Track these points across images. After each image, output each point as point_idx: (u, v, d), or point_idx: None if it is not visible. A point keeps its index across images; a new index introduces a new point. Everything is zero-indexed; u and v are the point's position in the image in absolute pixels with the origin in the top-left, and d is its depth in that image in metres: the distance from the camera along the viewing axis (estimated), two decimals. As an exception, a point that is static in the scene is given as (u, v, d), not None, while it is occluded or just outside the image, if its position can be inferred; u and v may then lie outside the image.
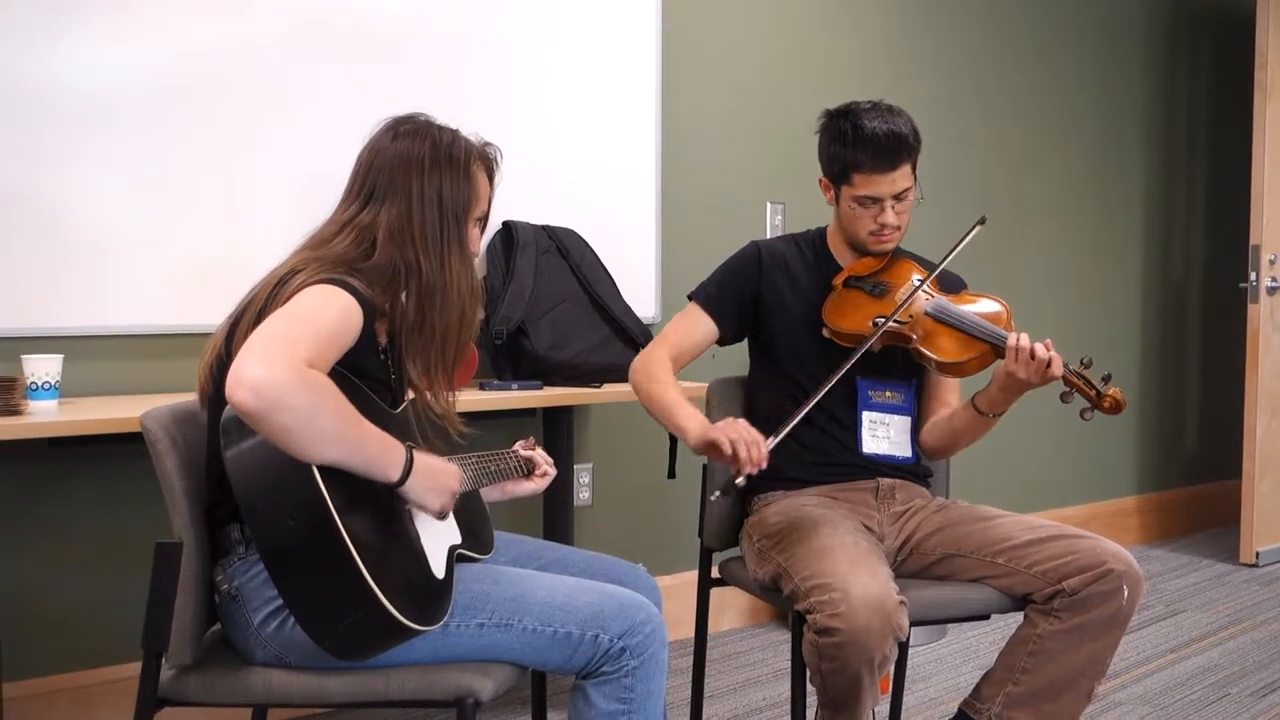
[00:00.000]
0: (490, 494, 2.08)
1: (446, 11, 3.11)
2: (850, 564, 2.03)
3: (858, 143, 2.28)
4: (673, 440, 2.58)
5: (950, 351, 2.27)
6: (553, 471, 2.17)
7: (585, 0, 3.35)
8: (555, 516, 3.20)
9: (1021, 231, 4.61)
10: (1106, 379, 2.25)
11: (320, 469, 1.60)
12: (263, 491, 1.62)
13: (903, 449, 2.40)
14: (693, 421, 2.21)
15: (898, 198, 2.31)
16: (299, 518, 1.60)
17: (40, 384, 2.37)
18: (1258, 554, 4.70)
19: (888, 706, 2.69)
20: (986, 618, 2.27)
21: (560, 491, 3.17)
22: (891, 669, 2.48)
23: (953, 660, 3.47)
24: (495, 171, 1.94)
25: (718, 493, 2.14)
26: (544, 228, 3.20)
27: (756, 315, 2.43)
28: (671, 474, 2.58)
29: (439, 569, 1.77)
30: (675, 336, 2.40)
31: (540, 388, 2.97)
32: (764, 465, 2.09)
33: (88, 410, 2.39)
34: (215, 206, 2.77)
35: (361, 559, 1.59)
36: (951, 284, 2.44)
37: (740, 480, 2.07)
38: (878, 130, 2.27)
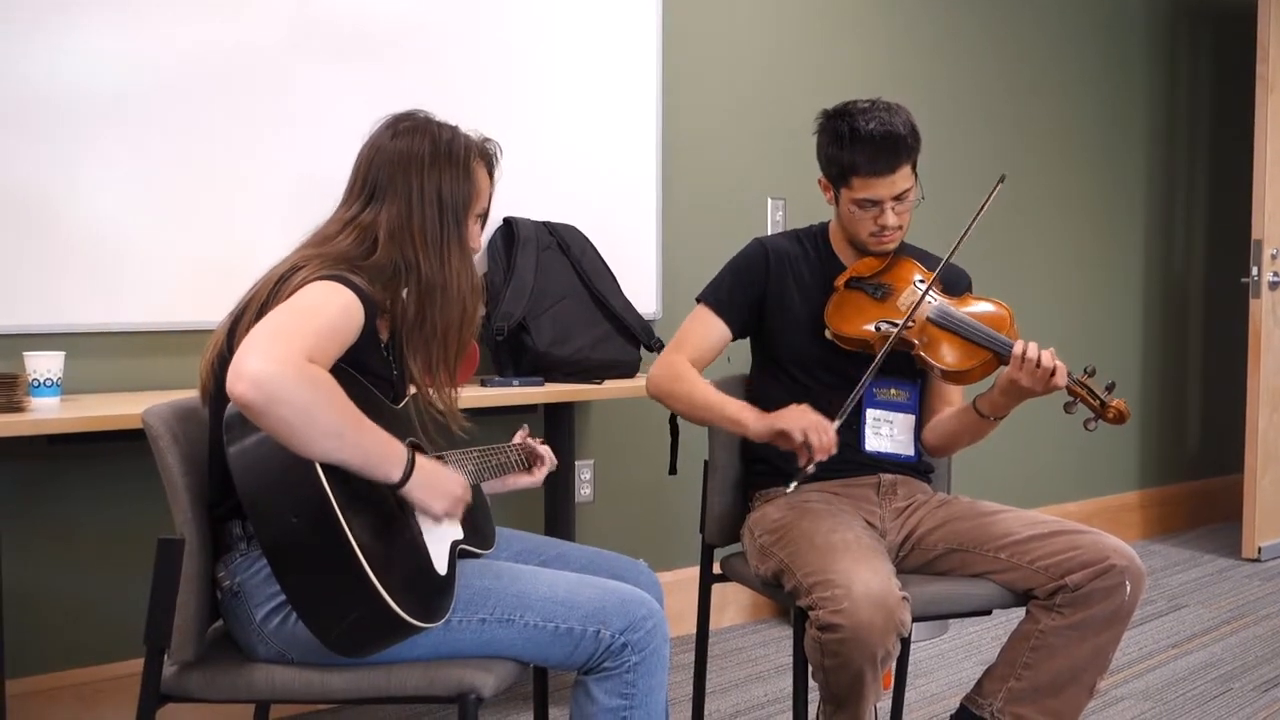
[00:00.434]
0: (489, 485, 2.08)
1: (447, 10, 3.10)
2: (852, 560, 2.03)
3: (855, 145, 2.26)
4: (674, 436, 2.58)
5: (953, 359, 2.25)
6: (553, 461, 2.17)
7: (586, -4, 3.35)
8: (557, 512, 3.20)
9: (1023, 226, 4.60)
10: (1110, 388, 2.24)
11: (323, 466, 1.60)
12: (265, 488, 1.62)
13: (905, 447, 2.40)
14: (748, 412, 2.23)
15: (898, 199, 2.30)
16: (302, 514, 1.60)
17: (42, 381, 2.37)
18: (1260, 549, 4.70)
19: (890, 702, 2.69)
20: (988, 613, 2.27)
21: (562, 487, 3.18)
22: (894, 664, 2.48)
23: (955, 656, 3.47)
24: (495, 167, 1.93)
25: (794, 484, 2.15)
26: (545, 224, 3.19)
27: (762, 314, 2.42)
28: (673, 470, 2.58)
29: (441, 565, 1.77)
30: (691, 342, 2.39)
31: (541, 384, 2.97)
32: (834, 450, 2.12)
33: (89, 407, 2.40)
34: (217, 204, 2.77)
35: (364, 556, 1.59)
36: (955, 281, 2.43)
37: (812, 468, 2.12)
38: (875, 132, 2.24)
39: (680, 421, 2.56)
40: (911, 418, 2.41)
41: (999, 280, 3.81)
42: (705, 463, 2.51)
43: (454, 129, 1.89)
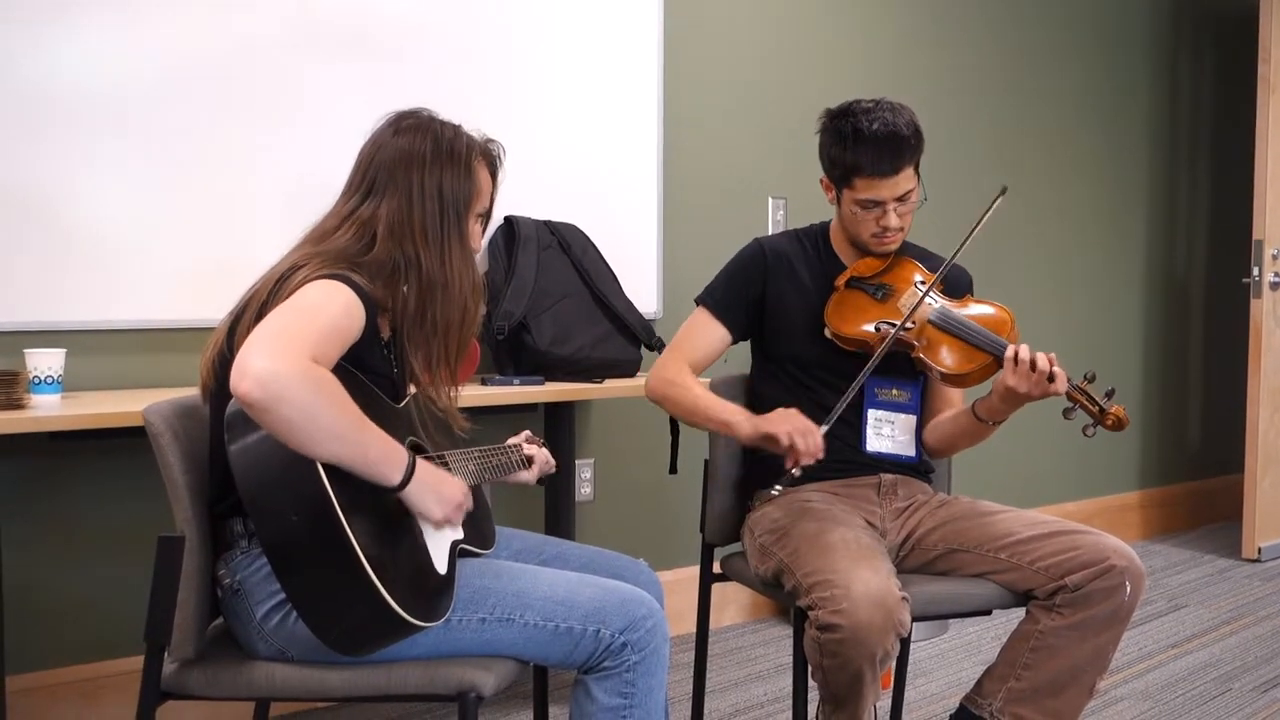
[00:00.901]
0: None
1: (449, 9, 3.10)
2: (852, 560, 2.03)
3: (858, 146, 2.25)
4: (674, 435, 2.58)
5: (953, 362, 2.25)
6: (546, 462, 2.17)
7: (588, -5, 3.35)
8: (557, 511, 3.20)
9: (1025, 227, 4.60)
10: (1110, 395, 2.23)
11: (324, 465, 1.60)
12: (266, 486, 1.62)
13: (906, 448, 2.39)
14: (739, 415, 2.25)
15: (900, 200, 2.29)
16: (302, 513, 1.60)
17: (43, 378, 2.37)
18: (1260, 549, 4.70)
19: (889, 702, 2.69)
20: (988, 613, 2.27)
21: (562, 487, 3.18)
22: (893, 665, 2.48)
23: (954, 656, 3.47)
24: (498, 167, 1.93)
25: (778, 487, 2.17)
26: (546, 223, 3.19)
27: (761, 315, 2.42)
28: (673, 469, 2.58)
29: (441, 564, 1.77)
30: (688, 345, 2.41)
31: (542, 383, 2.97)
32: (821, 455, 2.14)
33: (90, 404, 2.40)
34: (218, 202, 2.77)
35: (365, 555, 1.59)
36: (957, 282, 2.43)
37: (797, 471, 2.13)
38: (879, 133, 2.24)
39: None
40: (913, 418, 2.41)
41: (1000, 281, 3.81)
42: (706, 462, 2.51)
43: (456, 128, 1.89)
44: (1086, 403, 2.22)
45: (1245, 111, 4.87)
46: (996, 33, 4.49)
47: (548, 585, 1.81)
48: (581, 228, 3.26)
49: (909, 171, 2.28)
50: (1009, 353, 2.19)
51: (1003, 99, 4.52)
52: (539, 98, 3.27)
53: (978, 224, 2.27)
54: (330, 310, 1.67)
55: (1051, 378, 2.17)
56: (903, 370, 2.37)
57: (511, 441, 2.13)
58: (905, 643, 2.57)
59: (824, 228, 2.49)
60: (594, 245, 3.26)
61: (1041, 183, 4.68)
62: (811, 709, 2.18)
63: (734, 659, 3.43)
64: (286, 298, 1.68)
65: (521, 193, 3.11)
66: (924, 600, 2.17)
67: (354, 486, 1.63)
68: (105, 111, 2.62)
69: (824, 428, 2.16)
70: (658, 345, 3.18)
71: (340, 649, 1.68)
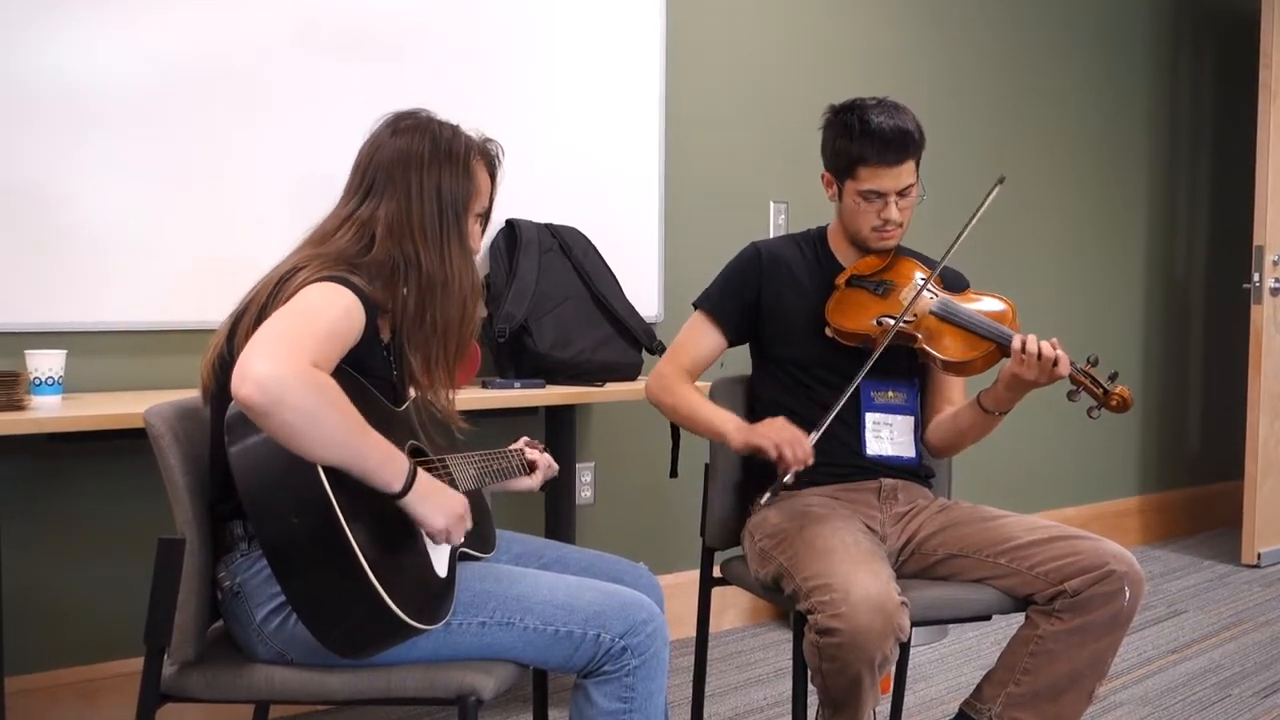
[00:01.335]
0: (490, 485, 2.08)
1: (449, 10, 3.10)
2: (852, 564, 2.03)
3: (864, 136, 2.28)
4: (675, 439, 2.59)
5: (955, 350, 2.27)
6: (554, 468, 2.17)
7: (589, -2, 3.36)
8: (557, 515, 3.20)
9: (1025, 232, 4.61)
10: (1113, 377, 2.25)
11: (325, 468, 1.60)
12: (266, 489, 1.62)
13: (906, 449, 2.40)
14: (731, 425, 2.28)
15: (901, 194, 2.32)
16: (303, 515, 1.60)
17: (43, 379, 2.37)
18: (1259, 555, 4.70)
19: (888, 706, 2.69)
20: (988, 618, 2.27)
21: (562, 490, 3.18)
22: (892, 669, 2.49)
23: (954, 660, 3.47)
24: (497, 167, 1.93)
25: (768, 494, 2.20)
26: (547, 226, 3.20)
27: (758, 317, 2.43)
28: (674, 473, 2.58)
29: (441, 568, 1.77)
30: (686, 350, 2.43)
31: (543, 386, 2.97)
32: (810, 461, 2.17)
33: (90, 406, 2.40)
34: (218, 203, 2.77)
35: (365, 558, 1.59)
36: (954, 283, 2.44)
37: (789, 478, 2.16)
38: (884, 125, 2.28)
39: (681, 424, 2.57)
40: (911, 419, 2.42)
41: (999, 284, 3.80)
42: (706, 466, 2.51)
43: (455, 128, 1.89)
44: (1090, 385, 2.23)
45: (1245, 112, 4.87)
46: (998, 39, 4.49)
47: (548, 589, 1.81)
48: (583, 230, 3.26)
49: (911, 165, 2.32)
50: (1015, 344, 2.20)
51: (1004, 105, 4.52)
52: (540, 99, 3.27)
53: (975, 214, 2.30)
54: (331, 313, 1.67)
55: (1056, 362, 2.18)
56: (899, 371, 2.37)
57: (513, 448, 2.13)
58: (905, 647, 2.57)
59: (821, 232, 2.50)
60: (595, 248, 3.26)
61: (1042, 189, 4.68)
62: (811, 713, 2.18)
63: (734, 663, 3.43)
64: (287, 300, 1.68)
65: (522, 195, 3.12)
66: (923, 605, 2.17)
67: (354, 489, 1.63)
68: (106, 112, 2.62)
69: (814, 435, 2.19)
70: (659, 348, 3.18)
71: (340, 652, 1.68)
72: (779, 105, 3.80)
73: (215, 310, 1.95)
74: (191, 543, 1.76)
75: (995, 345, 2.25)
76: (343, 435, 1.59)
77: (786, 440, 2.16)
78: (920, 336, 2.28)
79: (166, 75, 2.69)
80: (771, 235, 3.75)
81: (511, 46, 3.21)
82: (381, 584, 1.60)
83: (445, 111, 1.94)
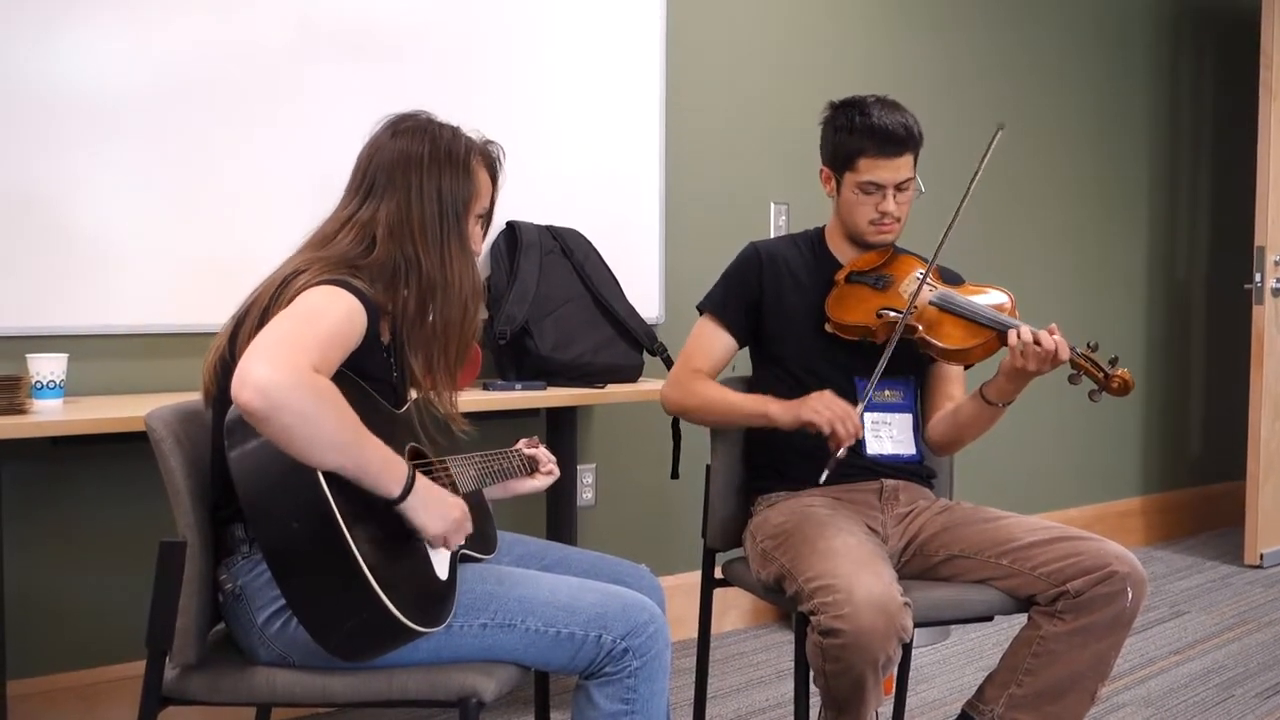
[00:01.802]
0: (493, 491, 2.08)
1: (450, 12, 3.11)
2: (854, 565, 2.03)
3: (864, 129, 2.32)
4: (676, 440, 2.59)
5: (955, 338, 2.27)
6: (556, 471, 2.17)
7: (589, 1, 3.35)
8: (559, 517, 3.20)
9: (1025, 232, 4.60)
10: (1114, 361, 2.26)
11: (324, 472, 1.59)
12: (266, 492, 1.62)
13: (906, 447, 2.40)
14: (772, 405, 2.29)
15: (899, 187, 2.34)
16: (303, 519, 1.60)
17: (45, 383, 2.37)
18: (1262, 556, 4.69)
19: (891, 707, 2.69)
20: (990, 619, 2.27)
21: (564, 492, 3.17)
22: (895, 670, 2.48)
23: (956, 661, 3.47)
24: (497, 168, 1.93)
25: (826, 473, 2.20)
26: (548, 228, 3.20)
27: (760, 317, 2.43)
28: (675, 474, 2.58)
29: (442, 570, 1.77)
30: (699, 353, 2.43)
31: (544, 388, 2.97)
32: (860, 435, 2.21)
33: (92, 409, 2.40)
34: (219, 207, 2.77)
35: (365, 561, 1.59)
36: (951, 279, 2.44)
37: (841, 453, 2.18)
38: (884, 118, 2.32)
39: (683, 426, 2.57)
40: (909, 417, 2.42)
41: (999, 285, 3.79)
42: (707, 467, 2.51)
43: (455, 129, 1.89)
44: (1091, 368, 2.23)
45: (1246, 112, 4.87)
46: (998, 39, 4.49)
47: (549, 590, 1.81)
48: (583, 232, 3.26)
49: (909, 159, 2.34)
50: (1012, 337, 2.20)
51: (1004, 105, 4.51)
52: (540, 101, 3.27)
53: (981, 163, 2.33)
54: (332, 316, 1.67)
55: (1055, 349, 2.18)
56: (896, 369, 2.37)
57: (512, 448, 2.13)
58: (907, 648, 2.57)
59: (819, 231, 2.51)
60: (596, 250, 3.26)
61: (1042, 188, 4.68)
62: (813, 715, 2.18)
63: (736, 664, 3.42)
64: (288, 303, 1.68)
65: (523, 197, 3.12)
66: (926, 606, 2.17)
67: (354, 493, 1.63)
68: (107, 115, 2.63)
69: (860, 406, 2.22)
70: (660, 350, 3.18)
71: (341, 655, 1.68)
72: (779, 106, 3.80)
73: (216, 313, 1.95)
74: (193, 546, 1.76)
75: (994, 333, 2.25)
76: (341, 440, 1.58)
77: (839, 416, 2.18)
78: (920, 327, 2.29)
79: (168, 78, 2.69)
80: (772, 236, 3.74)
81: (511, 48, 3.21)
82: (382, 587, 1.60)
83: (446, 113, 1.94)
